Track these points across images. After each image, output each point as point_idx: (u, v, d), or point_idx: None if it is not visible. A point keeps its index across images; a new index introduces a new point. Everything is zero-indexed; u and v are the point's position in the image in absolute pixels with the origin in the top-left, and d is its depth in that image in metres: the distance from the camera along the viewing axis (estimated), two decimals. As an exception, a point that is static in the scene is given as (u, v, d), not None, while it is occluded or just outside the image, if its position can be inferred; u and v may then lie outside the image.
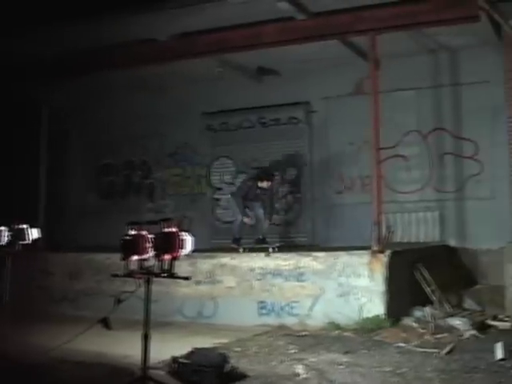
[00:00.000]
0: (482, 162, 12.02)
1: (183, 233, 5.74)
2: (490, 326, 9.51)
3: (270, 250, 10.75)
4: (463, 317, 9.63)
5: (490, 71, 11.71)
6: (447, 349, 8.03)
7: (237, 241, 11.59)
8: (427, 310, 9.70)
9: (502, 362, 7.34)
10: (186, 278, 5.95)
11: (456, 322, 9.30)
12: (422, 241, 12.24)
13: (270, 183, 11.63)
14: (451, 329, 9.16)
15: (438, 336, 8.82)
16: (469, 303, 10.71)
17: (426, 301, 10.05)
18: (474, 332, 8.99)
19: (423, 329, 9.17)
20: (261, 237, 11.64)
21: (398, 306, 9.53)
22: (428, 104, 12.53)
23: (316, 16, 10.76)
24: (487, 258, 11.60)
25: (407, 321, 9.49)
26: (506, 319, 9.78)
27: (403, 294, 9.80)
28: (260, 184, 11.52)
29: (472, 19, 10.00)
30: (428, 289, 10.15)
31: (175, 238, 5.66)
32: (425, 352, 7.98)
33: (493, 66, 11.57)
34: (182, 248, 5.70)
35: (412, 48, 12.03)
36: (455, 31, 11.07)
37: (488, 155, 11.92)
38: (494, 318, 9.85)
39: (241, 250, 11.14)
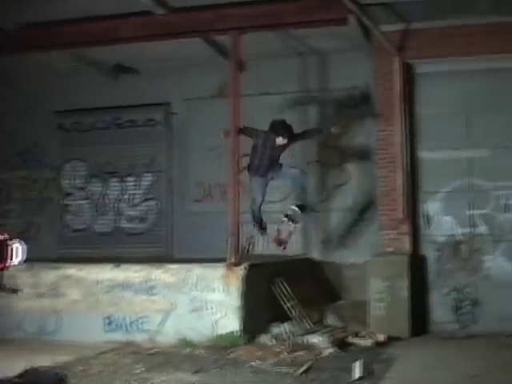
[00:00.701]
0: (349, 171, 12.30)
1: (13, 241, 5.49)
2: (351, 344, 9.74)
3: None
4: (323, 334, 9.78)
5: (360, 77, 12.04)
6: (303, 368, 8.12)
7: (261, 222, 10.92)
8: (285, 326, 9.81)
9: (360, 381, 7.53)
10: (15, 291, 5.69)
11: (315, 339, 9.44)
12: (283, 254, 12.33)
13: (286, 141, 10.37)
14: (310, 346, 9.29)
15: (296, 354, 8.91)
16: (331, 319, 10.95)
17: (285, 317, 10.16)
18: (333, 350, 9.15)
19: (280, 346, 9.24)
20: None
21: (254, 322, 9.58)
22: (295, 109, 12.69)
23: (176, 11, 10.70)
24: (351, 272, 11.89)
25: (264, 338, 9.54)
26: (368, 336, 10.05)
27: (261, 309, 9.86)
28: (279, 140, 10.30)
29: (340, 22, 10.30)
30: (287, 304, 10.25)
31: (3, 247, 5.41)
32: (280, 371, 8.05)
33: (361, 72, 11.91)
34: (11, 258, 5.44)
35: (280, 50, 12.20)
36: (324, 34, 11.31)
37: (355, 165, 12.22)
38: (356, 335, 10.09)
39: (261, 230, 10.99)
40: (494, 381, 7.56)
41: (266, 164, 10.40)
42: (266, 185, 10.55)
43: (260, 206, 10.66)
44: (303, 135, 11.00)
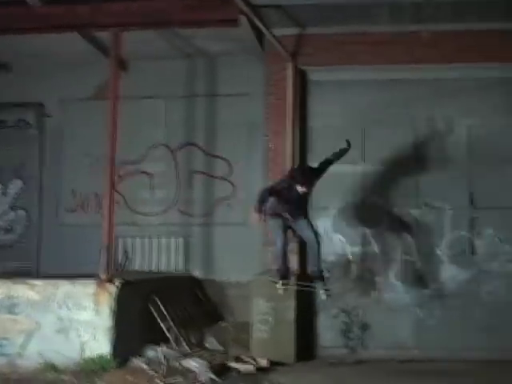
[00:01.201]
0: (235, 183, 12.13)
1: None
2: (232, 369, 9.50)
3: (322, 295, 9.80)
4: (201, 358, 9.52)
5: (250, 83, 11.92)
6: (177, 395, 7.85)
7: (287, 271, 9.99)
8: (161, 349, 9.51)
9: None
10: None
11: (192, 363, 9.17)
12: (163, 270, 12.05)
13: (305, 189, 9.67)
14: (186, 371, 9.03)
15: (171, 380, 8.63)
16: (211, 342, 10.69)
17: (162, 339, 9.86)
18: (211, 375, 8.90)
19: (155, 371, 8.91)
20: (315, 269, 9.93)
21: (127, 344, 9.21)
22: (180, 115, 12.46)
23: (53, 3, 10.25)
24: (235, 291, 11.68)
25: (137, 362, 9.17)
26: (249, 360, 9.84)
27: (135, 330, 9.51)
28: (299, 188, 9.61)
29: (231, 23, 10.13)
30: (164, 325, 9.96)
31: None
32: (152, 398, 7.74)
33: (253, 78, 11.80)
34: None
35: (166, 51, 11.93)
36: (214, 35, 11.15)
37: (242, 176, 12.07)
38: (237, 360, 9.87)
39: (279, 285, 9.89)
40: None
41: (287, 206, 9.73)
42: (289, 227, 9.86)
43: (282, 250, 9.84)
44: (322, 170, 10.13)
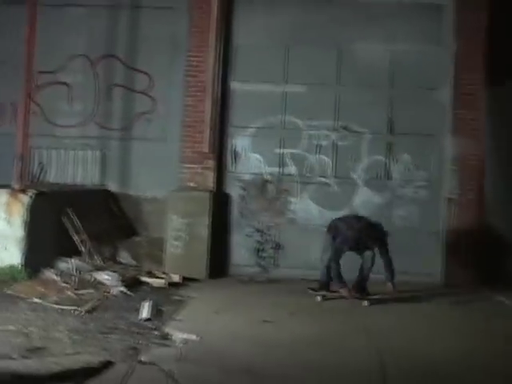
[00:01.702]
0: (156, 98, 12.17)
1: None
2: (144, 283, 9.82)
3: (366, 303, 9.40)
4: (114, 271, 9.78)
5: (177, -3, 11.87)
6: (87, 306, 8.11)
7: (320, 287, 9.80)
8: (73, 261, 9.71)
9: (146, 323, 7.61)
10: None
11: (104, 276, 9.43)
12: (79, 183, 12.12)
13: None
14: (98, 284, 9.28)
15: (82, 292, 8.86)
16: (124, 256, 10.95)
17: (75, 252, 10.08)
18: (123, 289, 9.18)
19: (66, 283, 9.13)
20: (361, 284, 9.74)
21: (39, 255, 9.39)
22: (102, 26, 12.30)
23: None
24: (151, 206, 11.86)
25: (49, 273, 9.38)
26: (162, 276, 10.15)
27: (47, 242, 9.66)
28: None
29: None
30: (77, 238, 10.13)
31: None
32: (62, 309, 7.99)
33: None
34: None
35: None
36: None
37: (162, 91, 12.09)
38: (150, 274, 10.17)
39: (318, 298, 9.57)
40: (285, 327, 7.88)
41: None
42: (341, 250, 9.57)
43: (327, 264, 9.65)
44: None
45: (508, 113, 11.16)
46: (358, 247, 9.50)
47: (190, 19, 11.38)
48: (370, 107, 11.33)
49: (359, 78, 11.37)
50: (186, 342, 6.94)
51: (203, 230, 10.63)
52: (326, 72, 11.40)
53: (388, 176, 11.34)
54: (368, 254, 9.54)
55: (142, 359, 6.27)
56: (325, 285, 9.68)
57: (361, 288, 9.57)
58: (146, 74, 12.19)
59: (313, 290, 9.67)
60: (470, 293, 10.11)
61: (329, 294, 9.53)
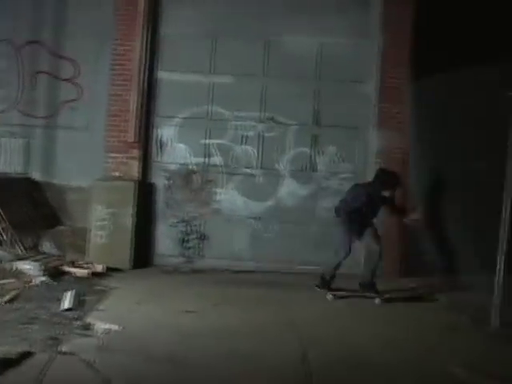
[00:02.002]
0: (82, 87, 12.09)
1: None
2: (67, 273, 9.80)
3: (377, 301, 9.33)
4: (36, 261, 9.74)
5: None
6: (8, 296, 8.08)
7: (326, 283, 9.72)
8: (-6, 251, 9.64)
9: (68, 313, 7.63)
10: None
11: (26, 266, 9.39)
12: (1, 171, 11.97)
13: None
14: (20, 274, 9.23)
15: (2, 281, 8.79)
16: (47, 246, 10.94)
17: (-4, 241, 9.99)
18: (45, 278, 9.15)
19: (-14, 272, 9.08)
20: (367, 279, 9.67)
21: (-43, 244, 9.29)
22: (27, 11, 12.12)
23: None
24: (75, 196, 11.82)
25: (-32, 263, 9.31)
26: (85, 266, 10.15)
27: (-34, 230, 9.57)
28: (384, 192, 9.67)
29: None
30: (-2, 227, 10.07)
31: None
32: (-17, 300, 7.93)
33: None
34: None
35: None
36: None
37: (89, 80, 12.02)
38: (73, 264, 10.15)
39: (329, 296, 9.49)
40: (208, 317, 8.00)
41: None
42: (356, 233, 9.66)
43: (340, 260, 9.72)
44: None
45: (433, 106, 11.41)
46: (372, 205, 9.54)
47: (117, 7, 11.31)
48: (297, 99, 11.45)
49: (286, 69, 11.47)
50: (107, 331, 7.00)
51: (128, 219, 10.67)
52: (253, 63, 11.48)
53: (313, 168, 11.50)
54: (374, 248, 9.54)
55: (63, 349, 6.30)
56: (329, 281, 9.68)
57: (369, 284, 9.57)
58: (72, 61, 12.10)
59: (318, 287, 9.65)
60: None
61: (340, 293, 9.51)
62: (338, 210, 9.83)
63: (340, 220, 9.72)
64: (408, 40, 11.16)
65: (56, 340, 6.58)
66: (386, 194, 9.67)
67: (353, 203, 9.60)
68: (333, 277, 9.70)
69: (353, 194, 9.78)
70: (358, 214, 9.53)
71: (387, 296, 9.40)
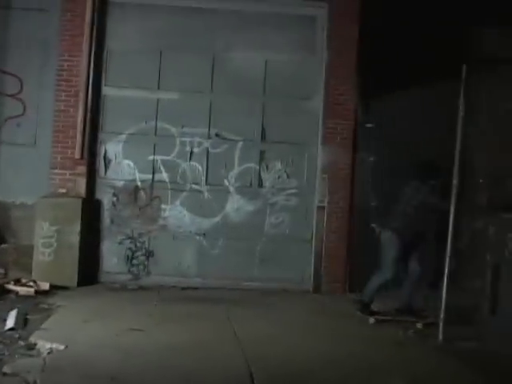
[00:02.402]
0: (26, 102, 11.99)
1: None
2: (11, 292, 9.78)
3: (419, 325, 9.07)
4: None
5: (47, -2, 11.79)
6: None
7: (367, 307, 9.47)
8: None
9: (11, 333, 7.60)
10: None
11: (-33, 285, 9.30)
12: None
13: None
14: (-40, 293, 9.15)
15: None
16: (-10, 264, 10.80)
17: None
18: (-12, 297, 9.08)
19: None
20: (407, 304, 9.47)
21: None
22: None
23: None
24: (20, 213, 11.68)
25: None
26: (30, 284, 10.09)
27: None
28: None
29: None
30: None
31: None
32: None
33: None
34: None
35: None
36: None
37: (33, 96, 11.91)
38: (17, 283, 10.10)
39: (372, 320, 9.23)
40: (157, 335, 8.02)
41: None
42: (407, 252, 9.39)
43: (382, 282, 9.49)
44: None
45: (382, 125, 11.59)
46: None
47: (62, 22, 11.32)
48: (244, 115, 11.60)
49: (233, 85, 11.60)
50: (51, 351, 6.98)
51: (74, 237, 10.64)
52: (199, 79, 11.57)
53: (260, 183, 11.60)
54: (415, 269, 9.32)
55: (5, 370, 6.27)
56: (368, 305, 9.50)
57: (408, 308, 9.44)
58: (15, 76, 12.01)
59: (362, 311, 9.45)
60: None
61: (382, 317, 9.29)
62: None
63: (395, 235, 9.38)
64: (354, 56, 11.41)
65: (-2, 361, 6.55)
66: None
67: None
68: (372, 299, 9.53)
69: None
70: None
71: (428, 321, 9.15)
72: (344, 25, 11.44)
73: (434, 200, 9.14)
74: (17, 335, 7.52)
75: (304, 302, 10.42)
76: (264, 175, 11.61)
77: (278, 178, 11.63)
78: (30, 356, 6.84)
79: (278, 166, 11.64)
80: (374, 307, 9.55)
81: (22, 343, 7.23)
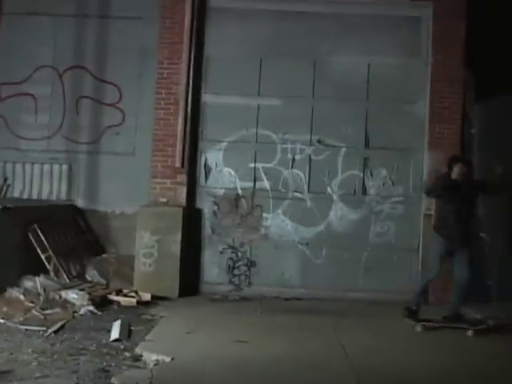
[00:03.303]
0: (125, 111, 12.19)
1: None
2: (113, 302, 9.82)
3: (470, 333, 8.89)
4: (82, 290, 9.77)
5: (144, 6, 11.93)
6: (55, 327, 8.09)
7: (414, 314, 9.34)
8: (39, 280, 9.66)
9: (116, 344, 7.59)
10: None
11: (72, 295, 9.41)
12: (45, 198, 12.09)
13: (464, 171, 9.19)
14: (66, 303, 9.26)
15: (49, 311, 8.83)
16: (92, 274, 10.94)
17: (41, 269, 10.07)
18: (91, 308, 9.17)
19: (32, 302, 9.09)
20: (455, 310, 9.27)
21: (3, 273, 9.36)
22: (68, 36, 12.33)
23: None
24: (120, 223, 11.89)
25: (14, 292, 9.33)
26: (132, 294, 10.13)
27: (12, 259, 9.66)
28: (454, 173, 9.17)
29: None
30: (43, 255, 10.09)
31: None
32: (28, 330, 7.96)
33: (147, 0, 11.82)
34: None
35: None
36: None
37: (132, 104, 12.12)
38: (119, 293, 10.15)
39: (419, 327, 9.10)
40: (261, 346, 7.88)
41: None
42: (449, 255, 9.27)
43: (426, 284, 9.67)
44: None
45: (497, 127, 11.25)
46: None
47: (161, 30, 11.37)
48: (346, 121, 11.41)
49: (335, 90, 11.42)
50: (157, 363, 6.93)
51: (174, 246, 10.63)
52: (301, 85, 11.43)
53: (364, 191, 11.38)
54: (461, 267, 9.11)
55: (113, 382, 6.24)
56: (416, 310, 9.33)
57: (455, 313, 9.23)
58: (114, 85, 12.22)
59: (409, 317, 9.26)
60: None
61: (429, 324, 9.08)
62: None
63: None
64: (461, 56, 11.10)
65: (106, 372, 6.54)
66: None
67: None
68: (419, 305, 9.37)
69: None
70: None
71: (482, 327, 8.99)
72: (450, 23, 11.14)
73: None
74: (122, 346, 7.52)
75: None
76: (368, 182, 11.37)
77: (383, 185, 11.37)
78: (137, 368, 6.82)
79: (383, 172, 11.38)
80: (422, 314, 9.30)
81: (127, 354, 7.21)
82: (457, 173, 9.10)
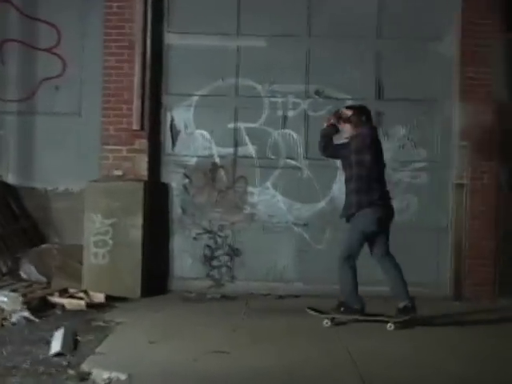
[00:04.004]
0: (65, 58, 12.07)
1: None
2: (55, 306, 9.83)
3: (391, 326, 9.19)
4: (14, 291, 9.78)
5: None
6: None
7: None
8: (-42, 279, 9.69)
9: (58, 359, 7.57)
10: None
11: (1, 298, 9.37)
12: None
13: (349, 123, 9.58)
14: (-6, 308, 9.27)
15: (-30, 320, 8.84)
16: (28, 271, 10.96)
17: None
18: (26, 314, 9.14)
19: None
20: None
21: None
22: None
23: None
24: (63, 203, 11.86)
25: None
26: (80, 295, 10.16)
27: None
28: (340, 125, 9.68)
29: None
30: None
31: None
32: None
33: None
34: None
35: None
36: None
37: (74, 49, 12.02)
38: (63, 294, 10.17)
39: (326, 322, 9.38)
40: (245, 358, 7.85)
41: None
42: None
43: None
44: None
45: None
46: None
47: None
48: (352, 66, 11.44)
49: (337, 26, 11.43)
50: (109, 382, 6.90)
51: (134, 232, 10.66)
52: (292, 20, 11.43)
53: (377, 157, 11.37)
54: (388, 262, 9.53)
55: (52, 409, 6.24)
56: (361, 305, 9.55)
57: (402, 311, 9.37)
58: (51, 25, 12.09)
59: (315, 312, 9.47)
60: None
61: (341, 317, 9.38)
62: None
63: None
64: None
65: (42, 397, 6.53)
66: None
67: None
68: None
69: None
70: None
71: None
72: None
73: None
74: (65, 362, 7.45)
75: (439, 310, 10.11)
76: (382, 144, 11.31)
77: (401, 147, 11.38)
78: (83, 389, 6.77)
79: (401, 132, 11.42)
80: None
81: (71, 372, 7.15)
82: None
